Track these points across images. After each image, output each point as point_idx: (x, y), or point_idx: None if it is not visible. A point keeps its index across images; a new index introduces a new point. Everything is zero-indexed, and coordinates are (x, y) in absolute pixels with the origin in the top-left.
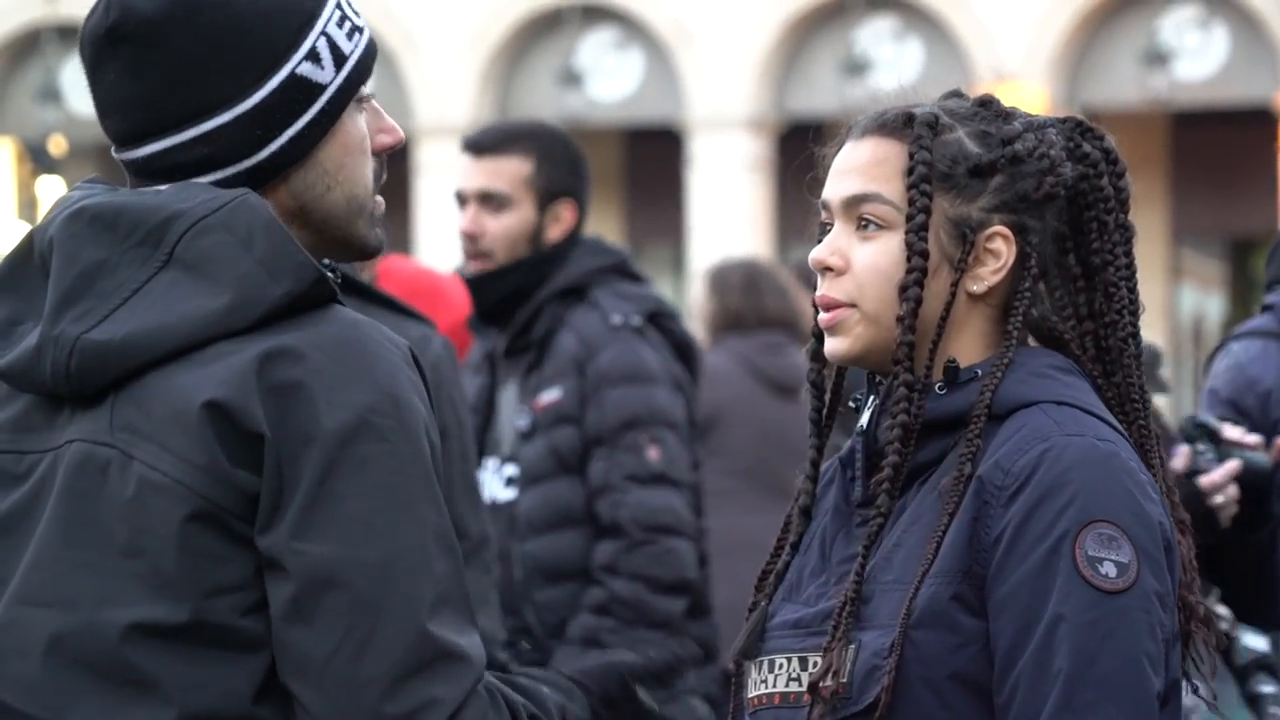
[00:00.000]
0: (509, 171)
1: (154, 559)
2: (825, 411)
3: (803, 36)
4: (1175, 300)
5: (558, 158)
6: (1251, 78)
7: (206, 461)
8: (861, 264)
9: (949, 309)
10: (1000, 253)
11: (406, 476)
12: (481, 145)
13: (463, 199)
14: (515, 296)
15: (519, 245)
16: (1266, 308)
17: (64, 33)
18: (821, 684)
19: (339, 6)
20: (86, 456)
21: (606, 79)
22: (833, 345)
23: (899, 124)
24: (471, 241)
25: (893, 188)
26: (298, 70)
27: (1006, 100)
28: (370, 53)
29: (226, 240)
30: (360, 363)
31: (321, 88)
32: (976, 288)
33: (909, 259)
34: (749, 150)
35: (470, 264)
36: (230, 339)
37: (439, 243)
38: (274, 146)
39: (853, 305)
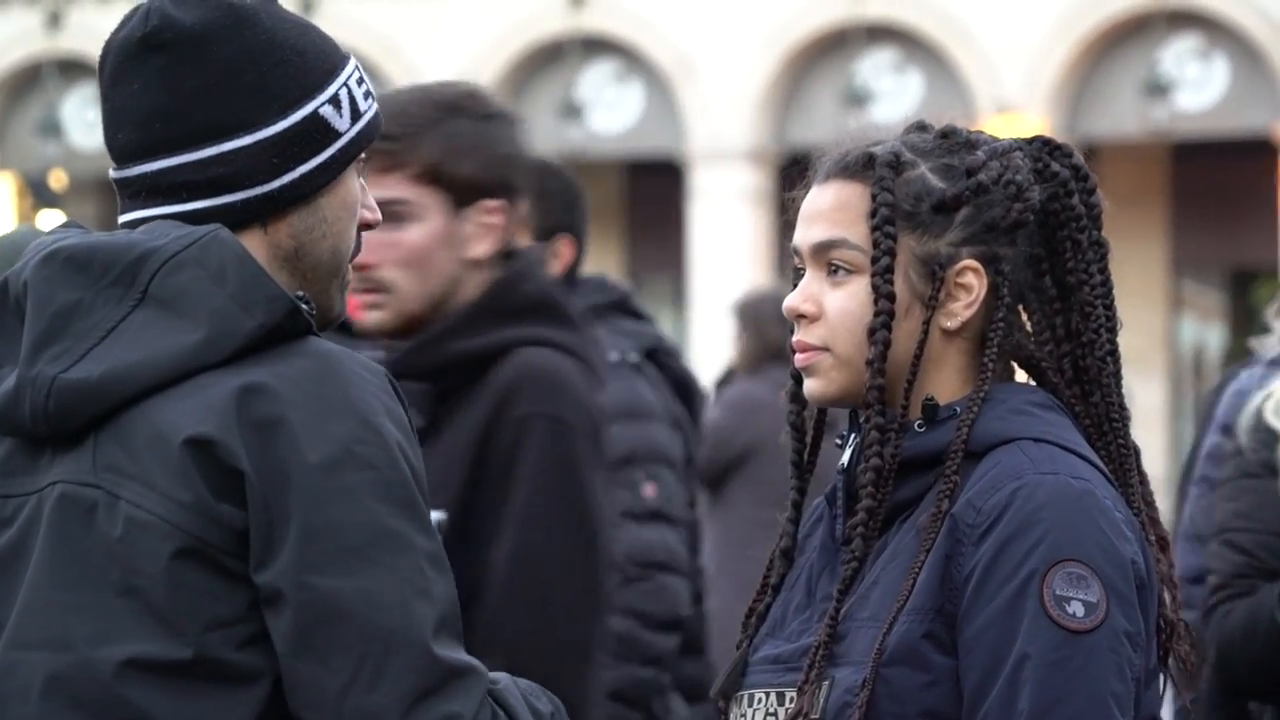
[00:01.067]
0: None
1: (147, 597)
2: (806, 453)
3: (803, 68)
4: (1175, 331)
5: (552, 195)
6: (1252, 108)
7: (192, 499)
8: (833, 310)
9: (922, 347)
10: (972, 286)
11: (394, 502)
12: None
13: None
14: None
15: None
16: None
17: (65, 66)
18: None
19: (358, 68)
20: (72, 498)
21: (607, 111)
22: (810, 386)
23: (860, 166)
24: None
25: (858, 231)
26: (320, 110)
27: (1006, 131)
28: (378, 121)
29: (199, 276)
30: (337, 393)
31: (338, 134)
32: (950, 324)
33: (876, 302)
34: (749, 182)
35: None
36: (206, 373)
37: None
38: (286, 179)
39: (826, 349)
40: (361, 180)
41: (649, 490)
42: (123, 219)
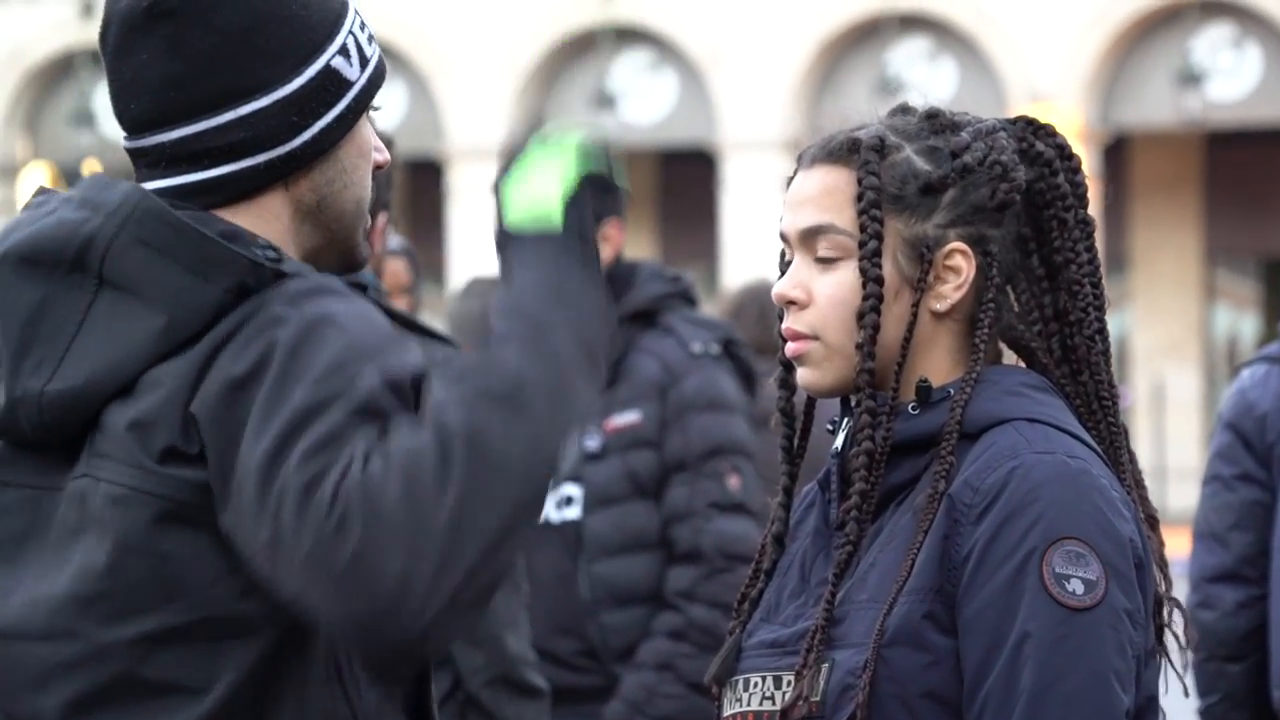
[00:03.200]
0: None
1: (141, 570)
2: (796, 439)
3: (836, 58)
4: (1210, 320)
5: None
6: None
7: (154, 463)
8: (823, 296)
9: (912, 330)
10: (960, 269)
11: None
12: None
13: None
14: None
15: None
16: None
17: (98, 57)
18: (791, 712)
19: (357, 13)
20: (71, 493)
21: (640, 101)
22: (804, 377)
23: (845, 150)
24: None
25: (845, 216)
26: (332, 62)
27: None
28: (384, 63)
29: (147, 255)
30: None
31: (350, 83)
32: (940, 306)
33: (864, 286)
34: (782, 171)
35: None
36: (187, 349)
37: (470, 266)
38: (307, 135)
39: (816, 338)
40: (371, 123)
41: (734, 482)
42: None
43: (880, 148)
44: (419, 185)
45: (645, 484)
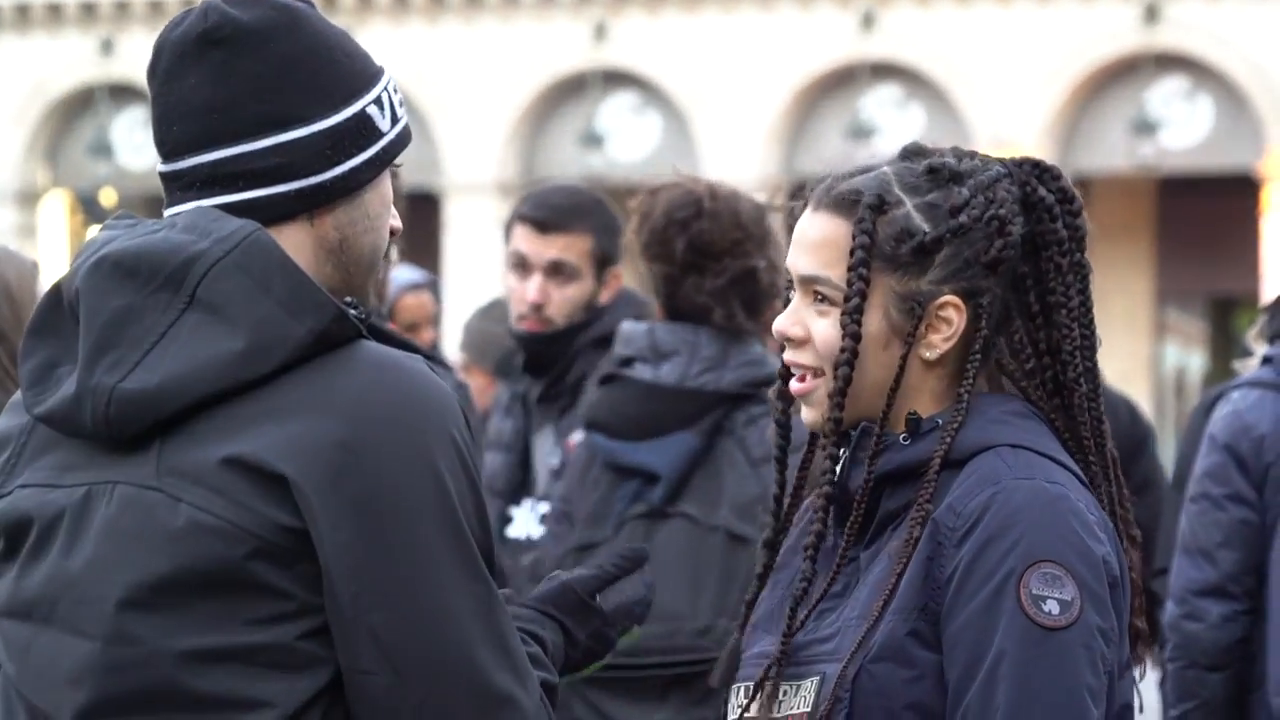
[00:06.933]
0: (577, 246)
1: (207, 592)
2: (787, 449)
3: (811, 102)
4: (1159, 356)
5: (610, 229)
6: (1235, 147)
7: (260, 508)
8: (819, 337)
9: (899, 380)
10: (952, 320)
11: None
12: (549, 223)
13: (525, 266)
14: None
15: (578, 312)
16: (1266, 360)
17: (116, 91)
18: None
19: (391, 79)
20: (131, 499)
21: (626, 141)
22: (809, 417)
23: (847, 203)
24: (536, 310)
25: (839, 271)
26: (367, 109)
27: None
28: (409, 131)
29: (245, 283)
30: (411, 444)
31: (381, 133)
32: (929, 354)
33: (842, 339)
34: None
35: (523, 323)
36: (277, 387)
37: (464, 293)
38: (338, 170)
39: (820, 373)
40: (395, 179)
41: None
42: (170, 213)
43: (878, 205)
44: (418, 217)
45: None
